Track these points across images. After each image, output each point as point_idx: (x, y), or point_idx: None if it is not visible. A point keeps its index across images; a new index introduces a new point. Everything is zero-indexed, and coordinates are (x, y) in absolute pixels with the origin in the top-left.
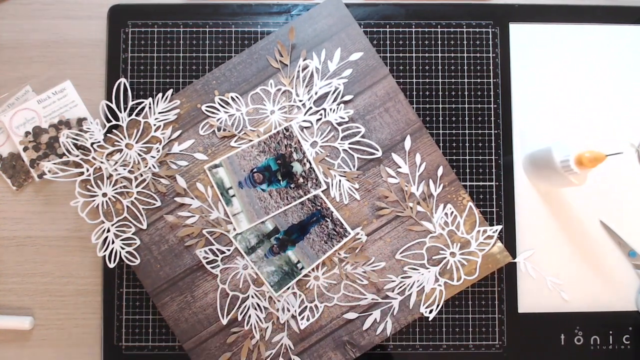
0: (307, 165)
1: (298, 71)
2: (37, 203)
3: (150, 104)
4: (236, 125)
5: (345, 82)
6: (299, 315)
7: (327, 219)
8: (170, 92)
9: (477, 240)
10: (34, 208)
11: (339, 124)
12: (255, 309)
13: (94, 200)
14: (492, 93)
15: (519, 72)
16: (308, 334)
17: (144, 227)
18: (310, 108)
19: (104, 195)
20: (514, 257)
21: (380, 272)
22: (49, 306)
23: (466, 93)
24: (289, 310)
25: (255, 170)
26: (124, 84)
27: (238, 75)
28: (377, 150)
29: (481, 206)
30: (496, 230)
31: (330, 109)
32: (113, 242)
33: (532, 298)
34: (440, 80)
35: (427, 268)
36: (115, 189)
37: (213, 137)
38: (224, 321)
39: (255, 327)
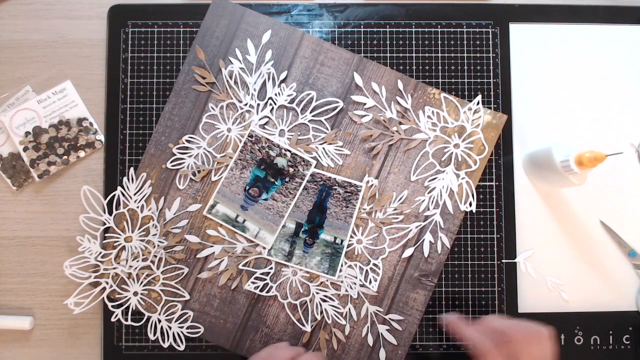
0: (288, 154)
1: (227, 81)
2: (37, 203)
3: (121, 191)
4: (206, 161)
5: (272, 63)
6: (366, 280)
7: (335, 187)
8: (132, 170)
9: (468, 121)
10: (34, 208)
11: (291, 102)
12: (326, 301)
13: (129, 304)
14: (492, 93)
15: (519, 72)
16: (384, 291)
17: (188, 297)
18: (259, 105)
19: (135, 294)
20: (514, 257)
21: (407, 200)
22: (49, 306)
23: (466, 93)
24: (355, 284)
25: (247, 187)
26: (87, 190)
27: (179, 119)
28: (338, 101)
29: (481, 206)
30: (478, 101)
31: (276, 94)
32: (170, 329)
33: (532, 298)
34: (440, 80)
35: (443, 170)
36: (142, 282)
37: (194, 184)
38: (308, 328)
39: (336, 316)
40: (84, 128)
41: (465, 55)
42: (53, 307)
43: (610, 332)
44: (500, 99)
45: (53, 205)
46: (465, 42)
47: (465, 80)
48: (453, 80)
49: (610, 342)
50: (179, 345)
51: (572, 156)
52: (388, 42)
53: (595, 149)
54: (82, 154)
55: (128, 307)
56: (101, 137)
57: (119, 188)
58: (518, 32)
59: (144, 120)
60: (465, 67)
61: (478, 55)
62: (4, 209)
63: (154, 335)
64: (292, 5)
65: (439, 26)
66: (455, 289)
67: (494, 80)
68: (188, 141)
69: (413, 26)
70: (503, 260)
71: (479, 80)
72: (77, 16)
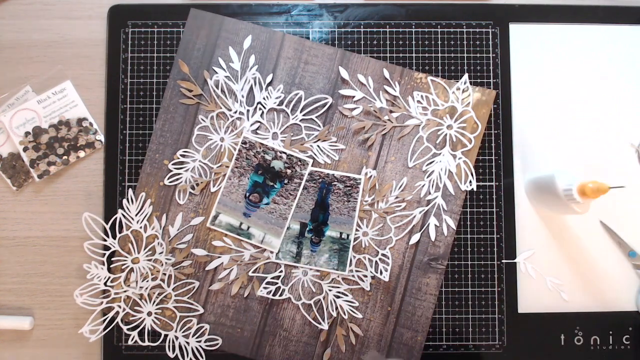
0: (284, 156)
1: (214, 91)
2: (37, 203)
3: (122, 214)
4: (203, 173)
5: (256, 68)
6: (376, 272)
7: (334, 183)
8: (130, 192)
9: (458, 101)
10: (34, 208)
11: (280, 103)
12: (340, 297)
13: (144, 325)
14: None
15: (519, 72)
16: (395, 280)
17: (202, 311)
18: (248, 111)
19: (149, 314)
20: (514, 257)
21: (407, 187)
22: (49, 306)
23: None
24: (365, 276)
25: (247, 194)
26: (87, 216)
27: (171, 135)
28: (326, 97)
29: (481, 206)
30: (465, 80)
31: (264, 98)
32: (188, 344)
33: (532, 298)
34: None
35: (440, 153)
36: (155, 302)
37: (194, 198)
38: (325, 326)
39: (352, 311)
40: (84, 128)
41: (465, 55)
42: (53, 307)
43: (610, 332)
44: (500, 98)
45: (53, 205)
46: (465, 42)
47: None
48: (453, 80)
49: (610, 342)
50: None
51: (574, 185)
52: (388, 42)
53: (599, 179)
54: (82, 154)
55: (144, 328)
56: (101, 137)
57: (120, 211)
58: (518, 32)
59: (144, 120)
60: (465, 67)
61: (478, 55)
62: (4, 209)
63: (173, 352)
64: (292, 6)
65: (438, 26)
66: (455, 289)
67: (494, 80)
68: (183, 155)
69: (413, 26)
70: (503, 261)
71: (479, 80)
72: (77, 16)
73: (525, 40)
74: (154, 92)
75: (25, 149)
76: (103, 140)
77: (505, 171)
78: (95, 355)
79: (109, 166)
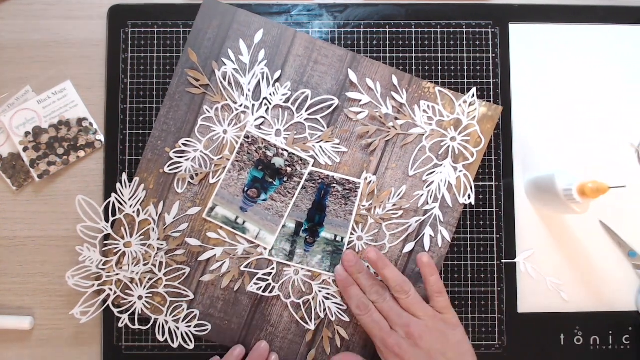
0: (285, 154)
1: (221, 82)
2: (37, 203)
3: (116, 198)
4: (204, 164)
5: (265, 63)
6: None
7: (333, 185)
8: (124, 175)
9: (464, 114)
10: (34, 208)
11: (286, 101)
12: (329, 298)
13: (134, 308)
14: (492, 93)
15: (519, 72)
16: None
17: (192, 296)
18: (254, 105)
19: (140, 298)
20: (514, 257)
21: (406, 195)
22: (49, 306)
23: (466, 93)
24: None
25: (246, 188)
26: (81, 199)
27: (174, 123)
28: (333, 99)
29: (481, 206)
30: (472, 94)
31: (270, 94)
32: (178, 329)
33: (532, 298)
34: (440, 80)
35: (441, 164)
36: (145, 286)
37: (192, 188)
38: (312, 326)
39: (340, 314)
40: (84, 128)
41: (465, 55)
42: (53, 307)
43: (610, 332)
44: (500, 99)
45: (53, 205)
46: (465, 42)
47: (465, 80)
48: (453, 80)
49: (610, 342)
50: (188, 345)
51: (574, 185)
52: (388, 42)
53: (599, 179)
54: (82, 154)
55: (134, 312)
56: (101, 137)
57: (113, 195)
58: (518, 32)
59: (144, 120)
60: (465, 67)
61: (478, 55)
62: (4, 209)
63: (163, 336)
64: (292, 6)
65: (438, 26)
66: (455, 289)
67: (494, 80)
68: (184, 145)
69: (413, 26)
70: (503, 260)
71: (478, 81)
72: (77, 16)
73: (525, 40)
74: (154, 92)
75: (25, 149)
76: (103, 140)
77: (505, 171)
78: (95, 355)
79: (109, 166)
